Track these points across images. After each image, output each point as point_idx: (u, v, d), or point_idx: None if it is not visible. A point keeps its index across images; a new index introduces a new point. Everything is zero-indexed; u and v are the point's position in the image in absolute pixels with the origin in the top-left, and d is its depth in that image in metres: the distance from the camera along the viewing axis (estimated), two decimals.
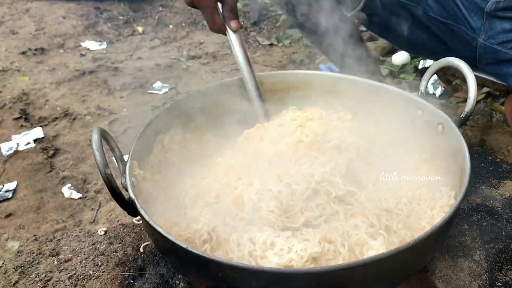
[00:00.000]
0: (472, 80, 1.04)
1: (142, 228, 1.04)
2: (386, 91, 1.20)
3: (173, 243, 0.77)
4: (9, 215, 1.69)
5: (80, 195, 1.77)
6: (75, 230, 1.05)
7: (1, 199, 1.77)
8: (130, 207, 0.86)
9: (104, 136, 0.91)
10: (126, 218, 1.64)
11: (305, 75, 1.28)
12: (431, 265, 0.95)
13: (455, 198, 0.93)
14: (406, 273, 0.84)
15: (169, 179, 1.06)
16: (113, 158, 0.98)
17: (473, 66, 1.52)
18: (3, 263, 1.49)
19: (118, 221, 1.63)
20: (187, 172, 1.08)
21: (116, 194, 0.84)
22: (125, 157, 1.00)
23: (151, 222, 0.81)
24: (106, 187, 1.84)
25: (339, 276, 0.73)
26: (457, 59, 1.09)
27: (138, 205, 0.84)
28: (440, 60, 1.11)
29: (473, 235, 1.00)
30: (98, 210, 1.69)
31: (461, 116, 1.07)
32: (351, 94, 1.22)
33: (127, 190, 0.90)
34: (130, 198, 0.86)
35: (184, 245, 0.75)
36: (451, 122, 1.03)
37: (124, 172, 0.94)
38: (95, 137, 0.86)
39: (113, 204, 1.71)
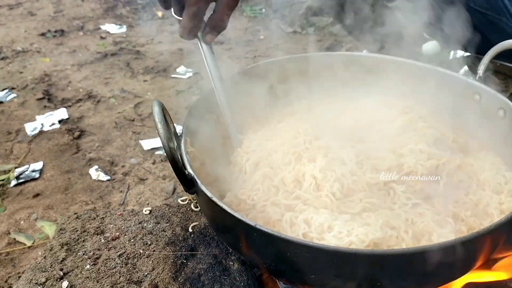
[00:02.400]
0: None
1: (189, 209, 1.02)
2: (438, 73, 1.16)
3: (238, 220, 0.74)
4: (37, 195, 1.67)
5: (108, 177, 1.74)
6: (118, 209, 1.02)
7: (28, 179, 1.74)
8: (189, 183, 0.83)
9: (163, 109, 0.88)
10: (156, 201, 1.61)
11: (353, 56, 1.25)
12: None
13: None
14: (478, 259, 0.81)
15: (221, 153, 1.03)
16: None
17: None
18: (33, 242, 1.47)
19: (148, 204, 1.61)
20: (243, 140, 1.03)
21: (178, 168, 0.81)
22: None
23: (214, 199, 0.78)
24: (134, 171, 1.80)
25: (418, 259, 0.70)
26: None
27: (198, 182, 0.81)
28: (501, 43, 1.08)
29: None
30: (127, 192, 1.66)
31: None
32: (402, 77, 1.18)
33: (184, 167, 0.87)
34: (189, 174, 0.83)
35: (252, 223, 0.73)
36: None
37: (180, 148, 0.91)
38: (156, 109, 0.83)
39: (142, 187, 1.69)
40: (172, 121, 0.95)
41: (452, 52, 2.33)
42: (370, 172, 0.85)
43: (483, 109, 1.04)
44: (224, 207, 0.76)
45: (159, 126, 0.84)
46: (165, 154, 1.43)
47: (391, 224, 0.79)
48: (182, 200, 1.08)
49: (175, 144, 0.94)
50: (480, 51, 1.62)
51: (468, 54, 2.28)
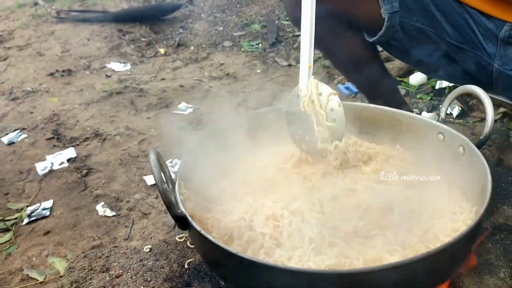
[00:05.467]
0: (489, 104, 1.13)
1: (185, 246, 1.12)
2: (407, 117, 1.28)
3: (226, 252, 0.85)
4: (47, 232, 1.78)
5: (113, 213, 1.85)
6: (122, 247, 1.13)
7: (39, 217, 1.86)
8: (181, 221, 0.95)
9: (158, 156, 1.00)
10: (158, 235, 1.71)
11: None
12: (458, 282, 1.01)
13: (476, 213, 1.01)
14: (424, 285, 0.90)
15: (210, 199, 1.15)
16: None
17: (491, 89, 1.58)
18: (45, 278, 1.58)
19: (151, 238, 1.71)
20: (227, 191, 1.16)
21: (171, 207, 0.93)
22: None
23: (203, 232, 0.89)
24: (138, 206, 1.92)
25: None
26: (474, 86, 1.18)
27: (189, 218, 0.93)
28: (458, 87, 1.20)
29: (497, 254, 1.07)
30: (131, 227, 1.77)
31: (480, 138, 1.15)
32: (373, 120, 1.30)
33: (177, 207, 0.98)
34: (181, 212, 0.95)
35: (234, 251, 0.84)
36: (471, 144, 1.11)
37: (174, 190, 1.02)
38: (152, 156, 0.95)
39: (145, 221, 1.79)
40: (167, 166, 1.07)
41: (438, 82, 2.45)
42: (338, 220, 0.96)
43: (446, 147, 1.15)
44: (212, 239, 0.87)
45: (154, 170, 0.96)
46: None
47: (346, 254, 0.91)
48: (180, 237, 1.19)
49: (170, 186, 1.07)
50: (461, 82, 1.71)
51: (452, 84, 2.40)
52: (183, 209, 0.94)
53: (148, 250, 1.12)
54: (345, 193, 1.02)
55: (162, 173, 1.04)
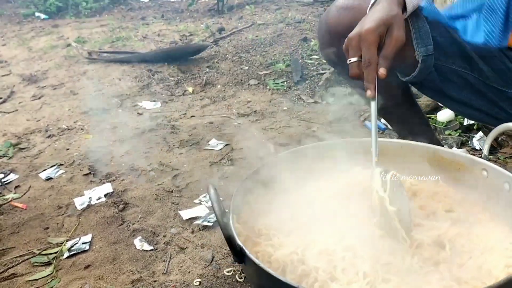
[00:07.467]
0: None
1: (234, 280, 1.15)
2: (449, 154, 1.31)
3: (287, 285, 0.88)
4: (88, 266, 1.82)
5: (151, 247, 1.89)
6: (171, 281, 1.15)
7: (79, 251, 1.90)
8: (239, 253, 0.98)
9: (215, 190, 1.05)
10: (196, 270, 1.74)
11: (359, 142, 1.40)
12: None
13: None
14: None
15: (259, 234, 1.18)
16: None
17: None
18: None
19: (189, 272, 1.74)
20: (274, 227, 1.20)
21: (231, 241, 0.97)
22: None
23: (261, 266, 0.92)
24: (175, 240, 1.95)
25: None
26: None
27: (247, 251, 0.96)
28: (500, 125, 1.23)
29: None
30: (169, 261, 1.80)
31: None
32: (415, 157, 1.34)
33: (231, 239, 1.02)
34: (238, 245, 0.99)
35: (296, 285, 0.86)
36: None
37: (228, 223, 1.06)
38: (212, 191, 1.00)
39: (183, 255, 1.82)
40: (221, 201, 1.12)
41: (466, 119, 2.48)
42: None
43: (490, 184, 1.18)
44: (272, 272, 0.90)
45: (215, 204, 1.01)
46: (203, 224, 1.59)
47: None
48: (228, 272, 1.22)
49: (222, 222, 1.11)
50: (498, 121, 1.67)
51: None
52: (240, 243, 0.98)
53: (197, 283, 1.15)
54: None
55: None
